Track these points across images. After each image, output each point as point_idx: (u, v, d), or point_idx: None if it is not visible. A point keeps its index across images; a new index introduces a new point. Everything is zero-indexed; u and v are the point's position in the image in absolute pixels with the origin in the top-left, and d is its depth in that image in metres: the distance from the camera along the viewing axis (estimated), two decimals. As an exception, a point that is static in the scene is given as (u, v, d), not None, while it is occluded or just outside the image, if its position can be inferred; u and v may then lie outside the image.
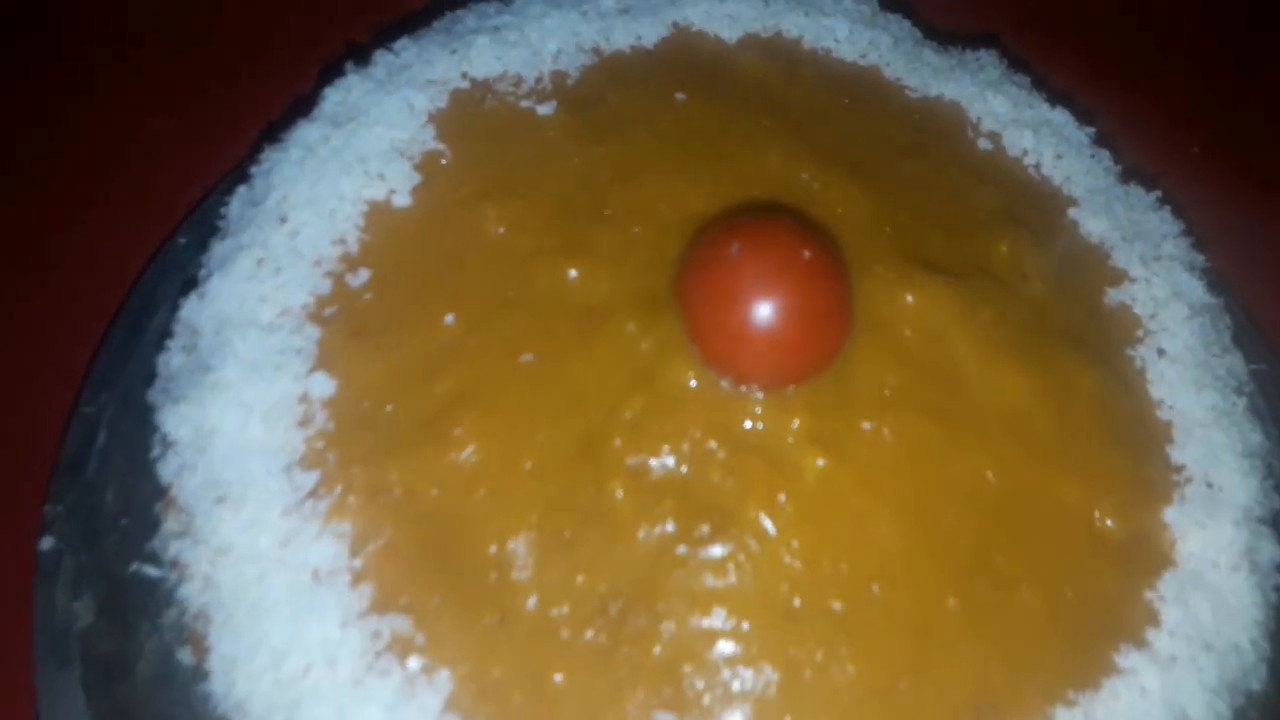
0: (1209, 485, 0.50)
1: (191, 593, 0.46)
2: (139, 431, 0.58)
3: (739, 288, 0.46)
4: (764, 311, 0.46)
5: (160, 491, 0.49)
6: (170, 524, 0.48)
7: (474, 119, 0.55)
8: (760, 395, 0.48)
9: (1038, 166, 0.59)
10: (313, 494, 0.47)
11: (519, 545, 0.46)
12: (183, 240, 0.62)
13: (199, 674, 0.46)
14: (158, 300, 0.63)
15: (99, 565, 0.57)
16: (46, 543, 0.57)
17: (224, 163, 0.57)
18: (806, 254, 0.46)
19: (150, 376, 0.53)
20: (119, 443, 0.60)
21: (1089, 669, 0.45)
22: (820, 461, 0.46)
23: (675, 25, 0.59)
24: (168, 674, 0.55)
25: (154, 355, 0.54)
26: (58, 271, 0.69)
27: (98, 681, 0.54)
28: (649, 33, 0.58)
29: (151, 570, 0.57)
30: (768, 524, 0.45)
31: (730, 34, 0.59)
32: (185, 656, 0.48)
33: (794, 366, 0.47)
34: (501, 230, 0.52)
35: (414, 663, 0.44)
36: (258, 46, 0.73)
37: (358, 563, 0.46)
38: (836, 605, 0.44)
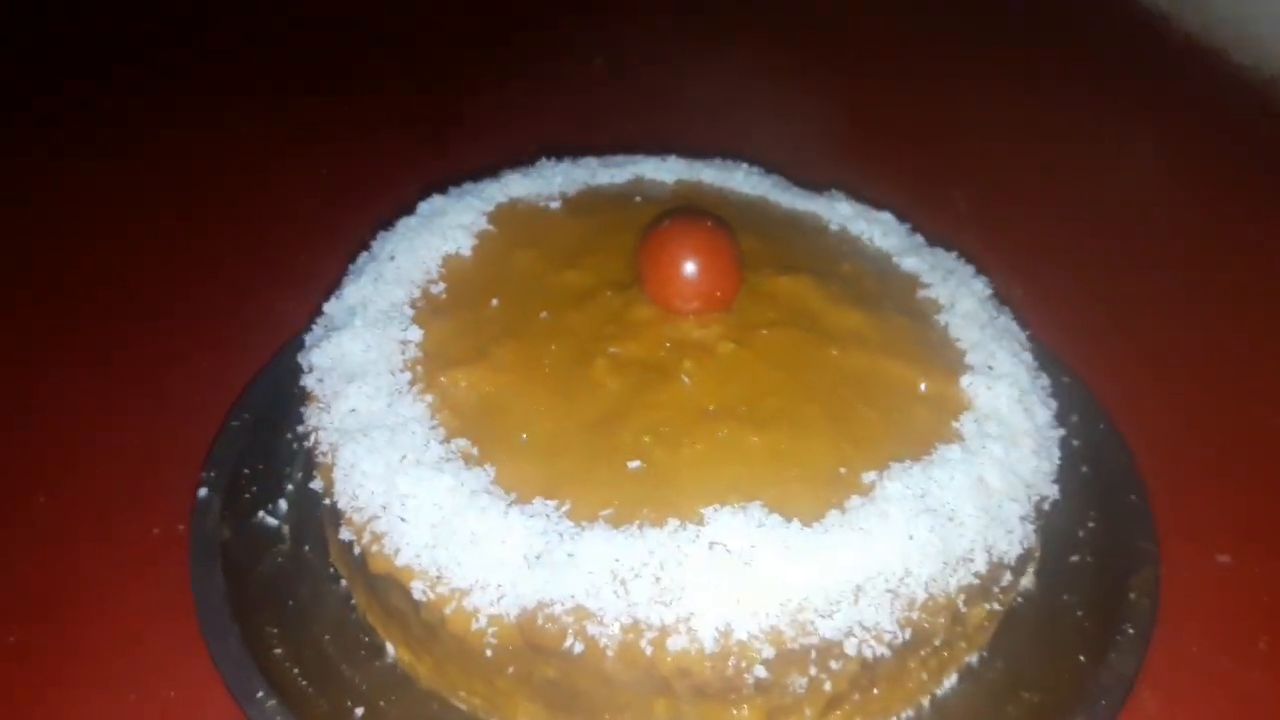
0: (990, 368, 0.76)
1: (325, 438, 0.71)
2: (272, 435, 0.85)
3: (674, 255, 0.76)
4: (690, 270, 0.76)
5: (304, 397, 0.75)
6: (311, 410, 0.73)
7: (510, 213, 0.88)
8: (691, 320, 0.76)
9: (870, 239, 0.91)
10: (408, 384, 0.73)
11: (537, 402, 0.71)
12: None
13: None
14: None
15: (236, 508, 0.81)
16: (202, 492, 0.81)
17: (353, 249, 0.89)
18: (713, 236, 0.77)
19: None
20: (257, 443, 0.86)
21: (916, 451, 0.68)
22: (729, 346, 0.73)
23: (635, 175, 0.95)
24: (283, 567, 0.78)
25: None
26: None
27: (231, 572, 0.76)
28: (619, 176, 0.94)
29: (270, 520, 0.81)
30: (694, 373, 0.71)
31: (668, 179, 0.95)
32: (317, 486, 0.71)
33: (708, 301, 0.76)
34: (526, 263, 0.83)
35: (472, 461, 0.67)
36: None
37: (435, 419, 0.71)
38: (741, 408, 0.69)
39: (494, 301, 0.79)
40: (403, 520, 0.65)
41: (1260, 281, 1.15)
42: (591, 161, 0.95)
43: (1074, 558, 0.79)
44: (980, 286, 0.85)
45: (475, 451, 0.68)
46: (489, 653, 0.62)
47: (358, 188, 1.22)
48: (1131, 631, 0.72)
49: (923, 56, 1.58)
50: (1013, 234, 1.18)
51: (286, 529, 0.81)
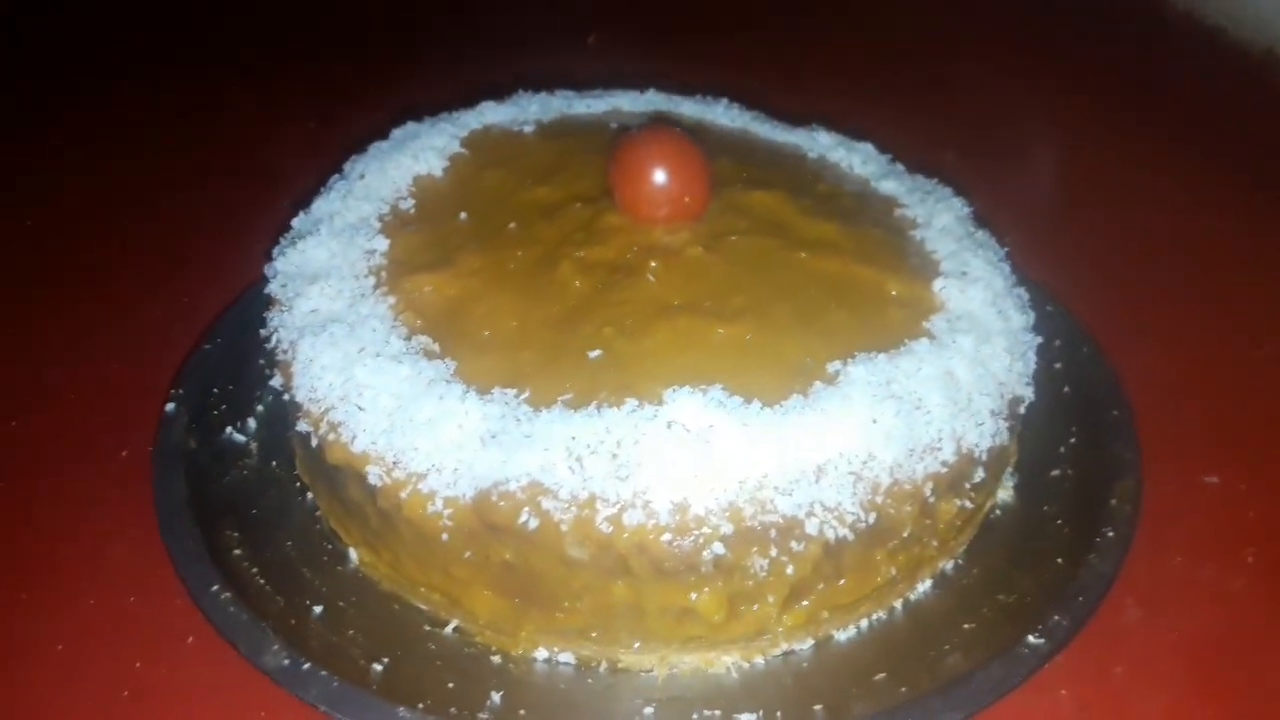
0: (964, 273, 0.74)
1: (285, 336, 0.70)
2: (243, 359, 0.84)
3: (644, 164, 0.76)
4: (659, 177, 0.75)
5: (268, 303, 0.74)
6: (273, 313, 0.73)
7: (484, 138, 0.88)
8: (660, 227, 0.75)
9: (850, 167, 0.90)
10: (372, 287, 0.72)
11: (501, 302, 0.70)
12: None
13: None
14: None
15: (203, 424, 0.80)
16: (169, 407, 0.80)
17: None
18: (682, 144, 0.77)
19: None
20: (228, 365, 0.85)
21: (884, 345, 0.67)
22: (698, 250, 0.72)
23: (612, 105, 0.94)
24: (248, 479, 0.77)
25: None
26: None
27: (196, 480, 0.75)
28: (595, 106, 0.94)
29: (239, 436, 0.80)
30: (661, 272, 0.70)
31: (646, 110, 0.94)
32: (277, 382, 0.70)
33: (677, 209, 0.75)
34: (496, 181, 0.83)
35: (433, 356, 0.67)
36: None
37: (398, 320, 0.70)
38: (707, 304, 0.68)
39: (462, 215, 0.79)
40: (360, 409, 0.64)
41: (1248, 214, 1.14)
42: (569, 93, 0.95)
43: (1055, 471, 0.77)
44: (959, 205, 0.84)
45: (436, 348, 0.67)
46: (445, 536, 0.61)
47: (344, 111, 1.23)
48: (1111, 535, 0.70)
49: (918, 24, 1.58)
50: (1002, 186, 1.17)
51: (254, 445, 0.80)
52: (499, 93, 0.95)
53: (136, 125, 1.28)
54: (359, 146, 0.88)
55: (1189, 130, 1.30)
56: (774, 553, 0.60)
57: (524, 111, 0.92)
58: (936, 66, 1.46)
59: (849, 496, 0.60)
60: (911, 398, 0.64)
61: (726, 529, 0.58)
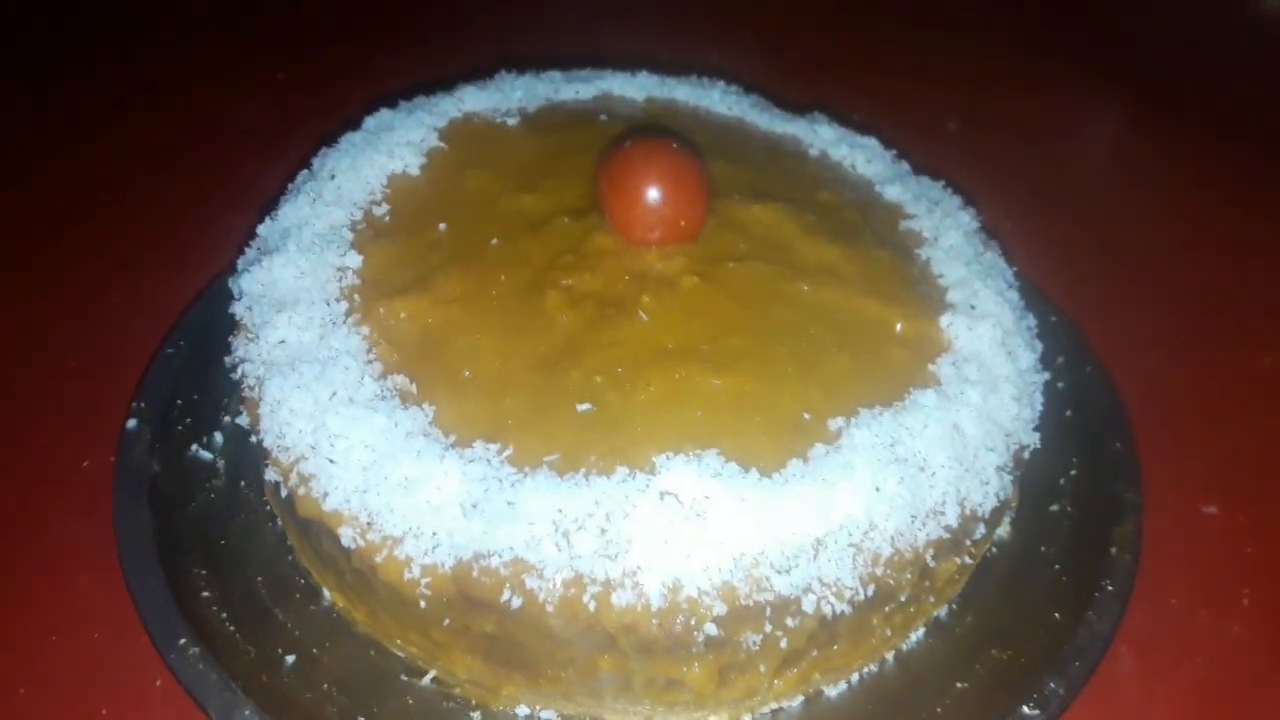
0: (973, 307, 0.71)
1: (251, 371, 0.65)
2: (209, 365, 0.79)
3: (638, 184, 0.70)
4: (652, 195, 0.70)
5: (234, 327, 0.69)
6: (239, 340, 0.68)
7: (464, 130, 0.81)
8: (654, 251, 0.70)
9: (853, 166, 0.85)
10: (344, 314, 0.68)
11: (483, 337, 0.66)
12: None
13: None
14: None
15: (167, 441, 0.76)
16: (131, 423, 0.76)
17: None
18: (679, 160, 0.71)
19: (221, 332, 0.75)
20: (192, 371, 0.81)
21: (887, 397, 0.64)
22: (693, 280, 0.68)
23: (602, 91, 0.88)
24: (215, 504, 0.73)
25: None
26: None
27: (160, 510, 0.71)
28: (584, 91, 0.87)
29: (205, 454, 0.76)
30: (654, 309, 0.66)
31: (638, 96, 0.88)
32: (243, 421, 0.66)
33: (672, 231, 0.70)
34: (478, 185, 0.77)
35: (410, 399, 0.63)
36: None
37: (371, 354, 0.66)
38: (703, 348, 0.64)
39: (441, 226, 0.73)
40: (331, 462, 0.60)
41: (1258, 223, 1.09)
42: (555, 75, 0.88)
43: (1054, 506, 0.75)
44: (967, 219, 0.79)
45: (414, 389, 0.63)
46: (423, 604, 0.58)
47: (309, 97, 1.15)
48: (1110, 588, 0.68)
49: None
50: (1004, 167, 1.12)
51: (221, 464, 0.76)
52: (480, 73, 0.88)
53: (97, 105, 1.19)
54: (332, 128, 0.82)
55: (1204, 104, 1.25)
56: (768, 629, 0.57)
57: (507, 98, 0.85)
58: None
59: (848, 571, 0.57)
60: (916, 460, 0.61)
61: (720, 609, 0.55)
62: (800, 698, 0.65)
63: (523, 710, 0.63)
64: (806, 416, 0.62)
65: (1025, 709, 0.62)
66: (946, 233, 0.77)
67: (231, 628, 0.65)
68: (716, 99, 0.90)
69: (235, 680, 0.61)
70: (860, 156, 0.85)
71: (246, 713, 0.60)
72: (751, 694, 0.62)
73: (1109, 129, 1.24)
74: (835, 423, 0.61)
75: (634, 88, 0.89)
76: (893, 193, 0.82)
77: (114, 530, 0.70)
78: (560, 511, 0.56)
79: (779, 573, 0.56)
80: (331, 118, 0.84)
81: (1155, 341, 0.93)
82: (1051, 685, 0.63)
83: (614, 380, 0.62)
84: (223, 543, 0.71)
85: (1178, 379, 0.90)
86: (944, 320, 0.69)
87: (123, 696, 0.66)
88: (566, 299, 0.67)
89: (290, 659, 0.64)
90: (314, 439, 0.61)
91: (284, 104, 1.16)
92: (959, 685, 0.65)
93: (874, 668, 0.67)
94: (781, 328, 0.66)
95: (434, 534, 0.57)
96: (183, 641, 0.63)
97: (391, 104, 0.84)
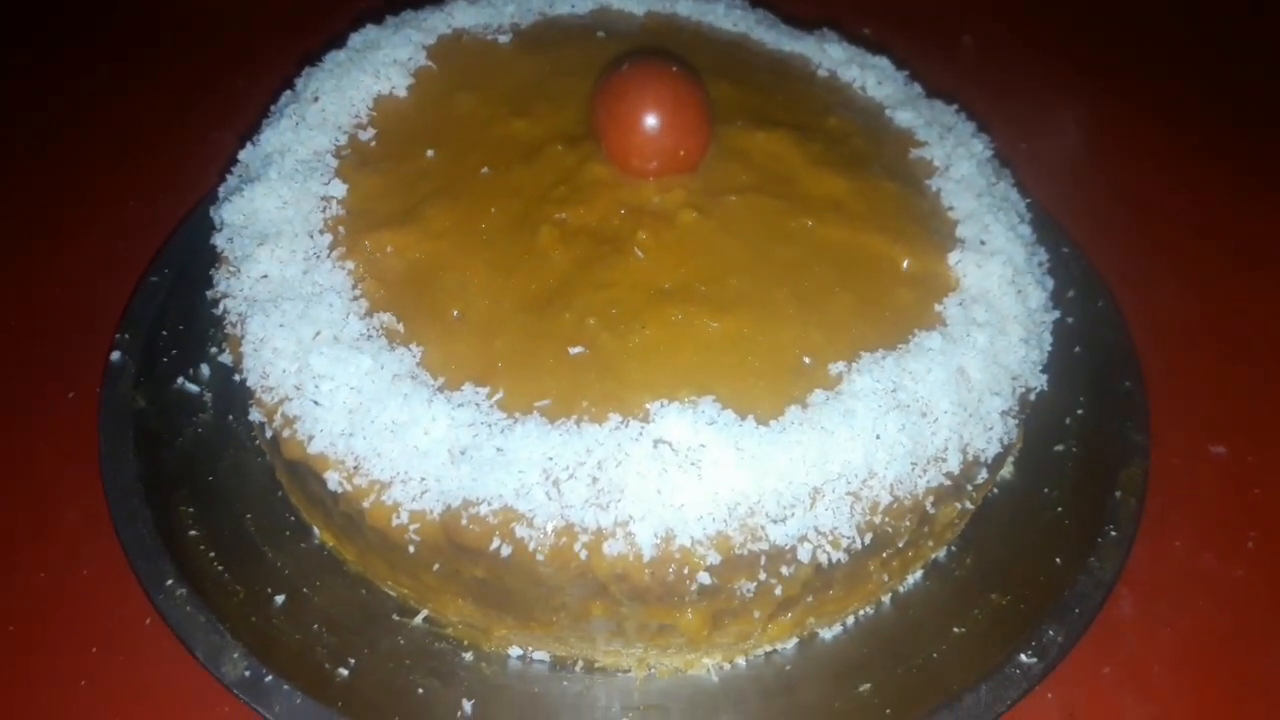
0: (983, 243, 0.68)
1: (234, 307, 0.63)
2: (194, 293, 0.77)
3: (634, 110, 0.67)
4: (649, 122, 0.66)
5: (216, 259, 0.67)
6: (221, 274, 0.66)
7: (454, 48, 0.78)
8: (651, 182, 0.67)
9: (863, 88, 0.81)
10: (328, 248, 0.65)
11: (473, 274, 0.63)
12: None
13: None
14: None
15: (153, 374, 0.74)
16: (115, 356, 0.74)
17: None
18: (678, 85, 0.67)
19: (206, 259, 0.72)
20: (178, 300, 0.78)
21: (891, 340, 0.61)
22: (691, 215, 0.65)
23: (599, 3, 0.83)
24: (203, 439, 0.72)
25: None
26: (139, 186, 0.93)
27: (146, 447, 0.70)
28: (581, 6, 0.83)
29: (191, 386, 0.74)
30: (650, 246, 0.63)
31: (638, 10, 0.84)
32: (225, 359, 0.64)
33: (670, 161, 0.67)
34: (468, 108, 0.74)
35: (397, 339, 0.60)
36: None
37: (357, 290, 0.63)
38: (701, 289, 0.61)
39: (429, 152, 0.70)
40: (316, 404, 0.58)
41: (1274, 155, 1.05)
42: (550, -10, 0.84)
43: (1059, 447, 0.73)
44: (980, 147, 0.76)
45: (400, 328, 0.61)
46: (412, 549, 0.57)
47: (295, 10, 1.10)
48: (1114, 534, 0.67)
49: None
50: (1021, 87, 1.07)
51: (209, 397, 0.74)
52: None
53: (79, 23, 1.13)
54: (317, 47, 0.78)
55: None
56: (763, 577, 0.56)
57: (499, 12, 0.81)
58: None
59: (845, 520, 0.56)
60: (918, 405, 0.59)
61: (713, 559, 0.54)
62: (794, 640, 0.64)
63: (515, 651, 0.63)
64: (807, 360, 0.60)
65: (1023, 656, 0.61)
66: (958, 162, 0.74)
67: (220, 567, 0.64)
68: (720, 14, 0.85)
69: (224, 622, 0.61)
70: (871, 78, 0.81)
71: (235, 655, 0.59)
72: (745, 638, 0.61)
73: (1137, 48, 1.18)
74: (836, 367, 0.59)
75: (633, 2, 0.84)
76: (904, 118, 0.78)
77: (99, 469, 0.69)
78: (551, 459, 0.54)
79: (774, 522, 0.55)
80: (318, 34, 0.80)
81: (1168, 277, 0.90)
82: (1050, 633, 0.62)
83: (608, 322, 0.59)
84: (211, 479, 0.70)
85: (1191, 314, 0.87)
86: (952, 257, 0.67)
87: (112, 634, 0.66)
88: (559, 235, 0.64)
89: (280, 599, 0.64)
90: (298, 379, 0.59)
91: (269, 17, 1.11)
92: (956, 630, 0.64)
93: (870, 610, 0.66)
94: (783, 266, 0.63)
95: (422, 480, 0.56)
96: (170, 582, 0.62)
97: (378, 19, 0.80)
